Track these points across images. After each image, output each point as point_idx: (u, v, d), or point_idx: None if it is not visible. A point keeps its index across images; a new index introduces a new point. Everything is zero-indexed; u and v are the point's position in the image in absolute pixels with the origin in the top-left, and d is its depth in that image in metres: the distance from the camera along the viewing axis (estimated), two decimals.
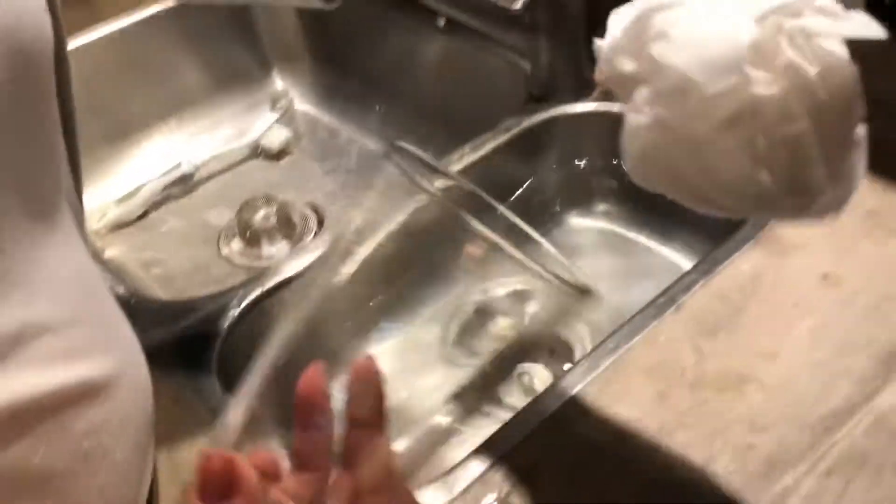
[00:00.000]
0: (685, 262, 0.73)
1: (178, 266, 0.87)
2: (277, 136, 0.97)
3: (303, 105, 1.03)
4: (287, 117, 1.00)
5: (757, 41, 0.27)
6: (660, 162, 0.31)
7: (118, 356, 0.36)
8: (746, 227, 0.61)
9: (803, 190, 0.30)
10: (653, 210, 0.76)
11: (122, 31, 0.94)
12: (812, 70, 0.26)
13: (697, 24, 0.29)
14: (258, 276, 0.65)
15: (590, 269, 0.75)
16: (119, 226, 0.90)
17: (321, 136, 1.00)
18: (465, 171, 0.72)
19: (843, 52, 0.27)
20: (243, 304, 0.62)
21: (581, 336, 0.71)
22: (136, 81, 0.96)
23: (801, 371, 0.52)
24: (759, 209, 0.31)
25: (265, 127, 0.98)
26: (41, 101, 0.35)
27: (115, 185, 0.94)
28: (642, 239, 0.77)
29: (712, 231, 0.71)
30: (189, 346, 0.60)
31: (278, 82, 1.04)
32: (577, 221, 0.79)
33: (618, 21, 0.32)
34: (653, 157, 0.31)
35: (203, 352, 0.59)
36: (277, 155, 0.97)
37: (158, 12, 0.95)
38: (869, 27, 0.28)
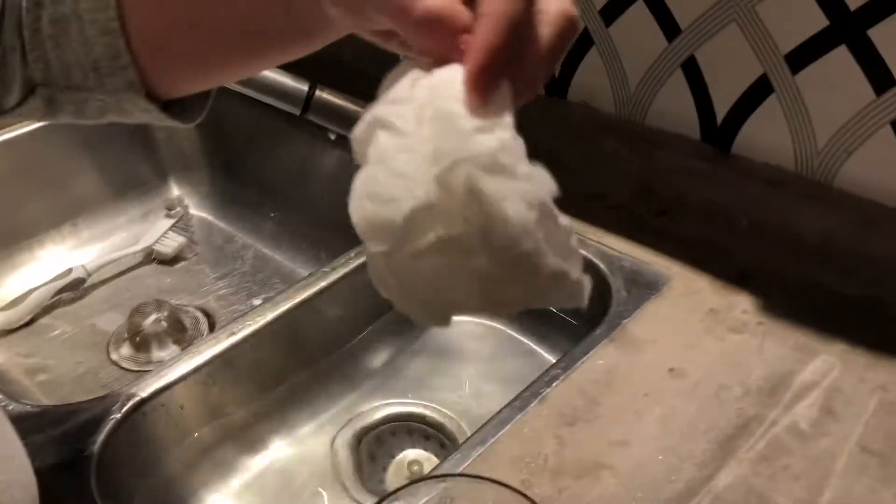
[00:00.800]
0: (554, 358, 0.78)
1: (66, 372, 0.86)
2: (172, 242, 1.00)
3: (199, 211, 1.06)
4: (183, 223, 1.03)
5: (432, 199, 0.29)
6: (385, 280, 0.33)
7: (7, 466, 0.38)
8: (602, 326, 0.67)
9: (498, 306, 0.32)
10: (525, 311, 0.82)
11: (17, 137, 0.95)
12: (483, 222, 0.29)
13: (380, 169, 0.31)
14: (142, 379, 0.66)
15: (475, 366, 0.80)
16: (4, 332, 0.90)
17: (216, 241, 1.03)
18: (354, 273, 0.76)
19: (515, 208, 0.29)
20: (125, 409, 0.63)
21: (459, 423, 0.75)
22: (30, 187, 0.97)
23: (651, 457, 0.57)
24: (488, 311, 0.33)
25: (160, 233, 1.01)
26: None
27: (3, 291, 0.93)
28: (515, 334, 0.82)
29: (575, 330, 0.77)
30: (67, 452, 0.59)
31: (174, 189, 1.07)
32: (456, 321, 0.84)
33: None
34: (381, 277, 0.33)
35: (81, 458, 0.59)
36: (172, 260, 0.99)
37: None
38: (543, 186, 0.32)
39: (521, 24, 0.30)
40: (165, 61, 0.45)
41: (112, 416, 0.61)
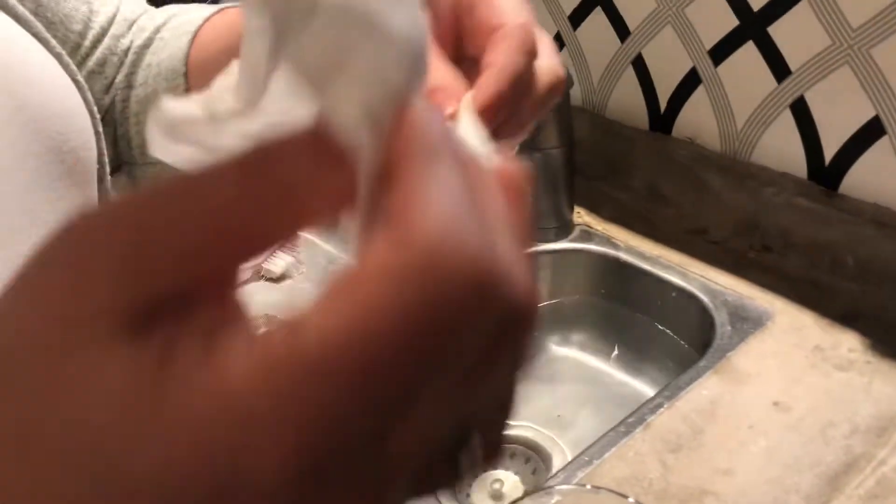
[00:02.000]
0: (650, 392, 0.79)
1: None
2: (280, 261, 1.05)
3: (305, 232, 1.11)
4: (290, 243, 1.08)
5: None
6: None
7: None
8: (706, 358, 0.68)
9: None
10: (622, 344, 0.83)
11: None
12: None
13: None
14: None
15: (567, 393, 0.82)
16: None
17: (321, 261, 1.08)
18: None
19: None
20: None
21: (561, 449, 0.76)
22: None
23: (755, 486, 0.58)
24: None
25: (268, 253, 1.06)
26: (89, 201, 0.41)
27: None
28: (616, 364, 0.84)
29: (674, 364, 0.78)
30: None
31: None
32: (556, 350, 0.86)
33: None
34: None
35: None
36: (279, 278, 1.04)
37: None
38: None
39: (524, 77, 0.33)
40: None
41: None
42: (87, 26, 0.50)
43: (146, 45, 0.50)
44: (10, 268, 0.35)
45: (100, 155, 0.42)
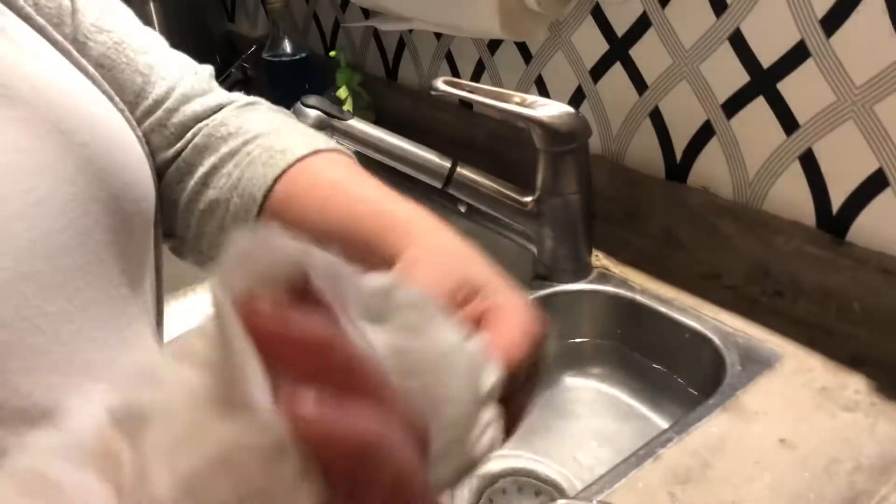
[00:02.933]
0: (665, 425, 0.82)
1: None
2: None
3: None
4: None
5: None
6: None
7: None
8: (716, 396, 0.71)
9: None
10: (637, 382, 0.86)
11: None
12: None
13: None
14: None
15: (582, 430, 0.85)
16: None
17: None
18: None
19: None
20: None
21: (570, 480, 0.79)
22: None
23: None
24: None
25: None
26: (144, 244, 0.44)
27: (173, 328, 1.04)
28: (630, 401, 0.87)
29: (686, 402, 0.81)
30: None
31: None
32: (572, 385, 0.89)
33: None
34: None
35: None
36: None
37: None
38: None
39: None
40: None
41: None
42: (139, 96, 0.51)
43: (232, 153, 0.52)
44: (71, 302, 0.38)
45: (155, 204, 0.45)
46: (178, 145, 0.53)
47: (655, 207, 0.91)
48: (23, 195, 0.35)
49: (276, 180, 0.49)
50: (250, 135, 0.52)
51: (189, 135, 0.53)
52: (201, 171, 0.52)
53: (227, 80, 1.42)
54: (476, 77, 1.11)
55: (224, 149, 0.52)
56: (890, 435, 0.66)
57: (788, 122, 0.79)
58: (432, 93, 0.87)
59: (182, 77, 0.54)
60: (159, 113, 0.52)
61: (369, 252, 0.44)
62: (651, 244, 0.91)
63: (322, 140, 0.52)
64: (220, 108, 0.55)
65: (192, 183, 0.52)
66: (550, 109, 0.82)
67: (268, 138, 0.52)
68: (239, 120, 0.53)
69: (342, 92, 1.21)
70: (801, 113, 0.78)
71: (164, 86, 0.52)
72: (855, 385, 0.71)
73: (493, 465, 0.82)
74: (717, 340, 0.78)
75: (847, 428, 0.67)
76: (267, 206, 0.49)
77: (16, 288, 0.34)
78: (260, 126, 0.53)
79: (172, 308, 1.08)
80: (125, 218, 0.41)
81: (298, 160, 0.50)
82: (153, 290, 0.48)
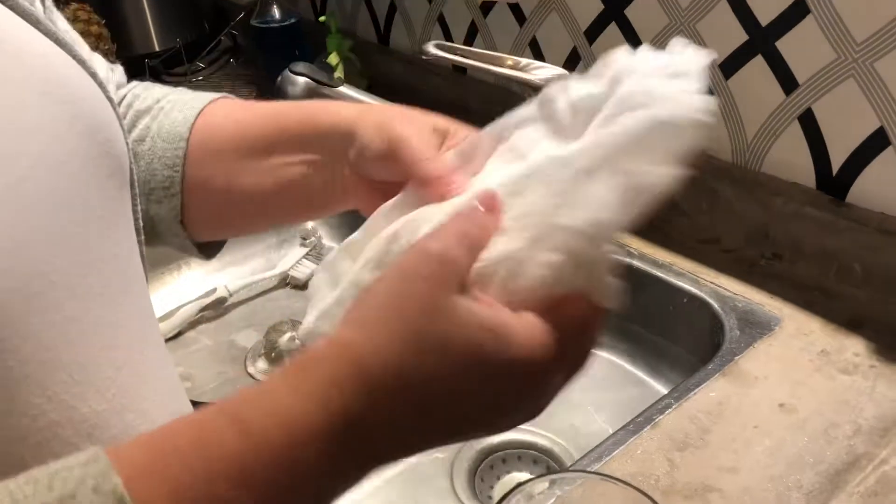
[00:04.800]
0: (664, 391, 0.81)
1: (208, 381, 0.95)
2: (305, 269, 1.08)
3: (330, 242, 1.14)
4: (315, 252, 1.11)
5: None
6: None
7: None
8: (715, 361, 0.71)
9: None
10: (640, 345, 0.86)
11: None
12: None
13: None
14: None
15: (581, 396, 0.84)
16: None
17: None
18: None
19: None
20: None
21: (568, 448, 0.78)
22: None
23: (759, 484, 0.60)
24: None
25: (295, 260, 1.09)
26: (127, 203, 0.45)
27: (155, 305, 1.03)
28: (628, 367, 0.86)
29: (684, 367, 0.80)
30: None
31: (309, 222, 1.16)
32: None
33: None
34: None
35: None
36: (304, 285, 1.08)
37: None
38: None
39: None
40: (201, 198, 0.55)
41: None
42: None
43: (146, 110, 0.56)
44: (80, 256, 0.39)
45: (130, 163, 0.46)
46: None
47: None
48: (20, 156, 0.35)
49: (196, 117, 0.54)
50: (160, 95, 0.57)
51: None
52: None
53: (216, 48, 1.40)
54: (469, 41, 1.09)
55: (139, 106, 0.56)
56: (889, 397, 0.66)
57: (788, 81, 0.77)
58: (424, 57, 0.85)
59: (108, 66, 0.57)
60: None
61: (309, 129, 0.51)
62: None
63: (224, 94, 0.58)
64: (134, 87, 0.60)
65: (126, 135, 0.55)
66: (545, 73, 0.80)
67: (175, 95, 0.57)
68: (147, 91, 0.58)
69: (333, 58, 1.19)
70: (800, 72, 0.76)
71: (102, 67, 0.54)
72: (854, 347, 0.71)
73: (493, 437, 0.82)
74: (715, 305, 0.77)
75: (846, 391, 0.67)
76: (192, 139, 0.53)
77: (29, 244, 0.35)
78: (165, 89, 0.58)
79: (168, 284, 1.07)
80: (110, 174, 0.42)
81: (212, 101, 0.55)
82: (140, 255, 0.48)
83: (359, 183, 0.50)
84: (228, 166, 0.54)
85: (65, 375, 0.37)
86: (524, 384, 0.35)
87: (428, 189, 0.43)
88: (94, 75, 0.43)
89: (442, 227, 0.36)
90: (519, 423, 0.37)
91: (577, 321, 0.37)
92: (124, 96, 0.57)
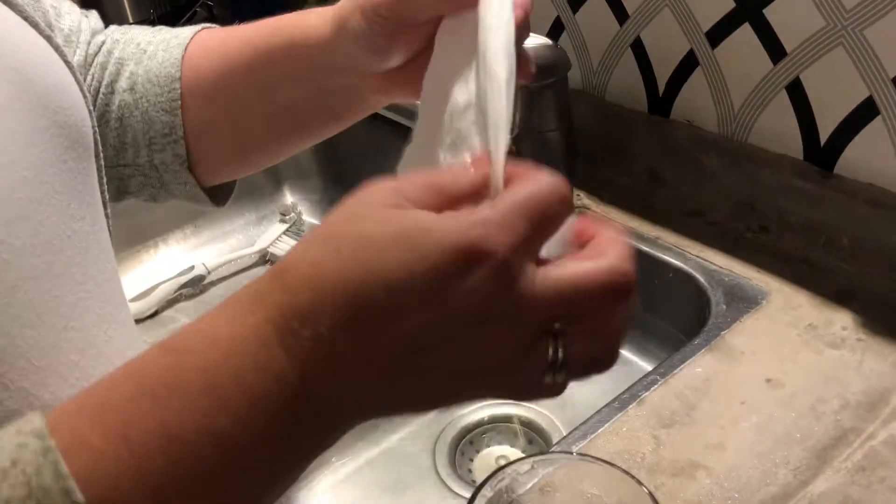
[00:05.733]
0: (647, 370, 0.80)
1: None
2: (285, 245, 1.06)
3: (311, 218, 1.12)
4: (295, 228, 1.09)
5: None
6: None
7: None
8: (701, 337, 0.70)
9: None
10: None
11: None
12: None
13: None
14: None
15: None
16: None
17: None
18: None
19: None
20: None
21: (554, 424, 0.77)
22: None
23: (746, 460, 0.59)
24: None
25: (274, 236, 1.07)
26: (91, 175, 0.43)
27: (132, 284, 1.01)
28: None
29: (670, 342, 0.79)
30: None
31: (289, 196, 1.14)
32: None
33: None
34: None
35: None
36: None
37: None
38: None
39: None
40: (209, 142, 0.53)
41: None
42: (51, 28, 0.52)
43: (129, 56, 0.54)
44: (36, 235, 0.37)
45: (94, 132, 0.44)
46: (91, 71, 0.54)
47: (638, 143, 0.88)
48: None
49: (182, 56, 0.52)
50: (138, 38, 0.55)
51: (96, 59, 0.54)
52: (105, 82, 0.53)
53: (191, 19, 1.36)
54: None
55: (118, 55, 0.54)
56: (877, 371, 0.65)
57: (775, 49, 0.75)
58: None
59: (81, 13, 0.55)
60: (81, 46, 0.53)
61: (289, 43, 0.49)
62: (634, 182, 0.89)
63: (203, 24, 0.57)
64: (112, 32, 0.58)
65: (99, 97, 0.53)
66: (527, 42, 0.78)
67: (154, 35, 0.55)
68: (125, 35, 0.56)
69: None
70: (788, 40, 0.74)
71: (69, 20, 0.52)
72: (842, 321, 0.70)
73: (476, 410, 0.81)
74: (701, 279, 0.76)
75: (834, 365, 0.66)
76: (184, 79, 0.52)
77: None
78: (144, 31, 0.56)
79: (144, 262, 1.05)
80: (69, 146, 0.40)
81: (193, 35, 0.54)
82: (107, 231, 0.46)
83: (372, 78, 0.47)
84: (228, 104, 0.52)
85: (23, 362, 0.35)
86: (462, 277, 0.28)
87: (451, 5, 0.40)
88: (49, 38, 0.41)
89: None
90: (504, 364, 0.31)
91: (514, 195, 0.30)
92: (102, 43, 0.55)
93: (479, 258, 0.28)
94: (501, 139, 0.34)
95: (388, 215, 0.29)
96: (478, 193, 0.31)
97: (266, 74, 0.50)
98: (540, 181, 0.31)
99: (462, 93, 0.37)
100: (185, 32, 0.54)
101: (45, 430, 0.28)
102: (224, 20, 1.37)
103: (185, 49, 0.52)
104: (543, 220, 0.30)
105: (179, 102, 0.51)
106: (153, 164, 0.53)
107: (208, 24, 0.56)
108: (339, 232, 0.30)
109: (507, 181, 0.32)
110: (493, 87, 0.35)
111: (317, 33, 0.47)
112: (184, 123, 0.52)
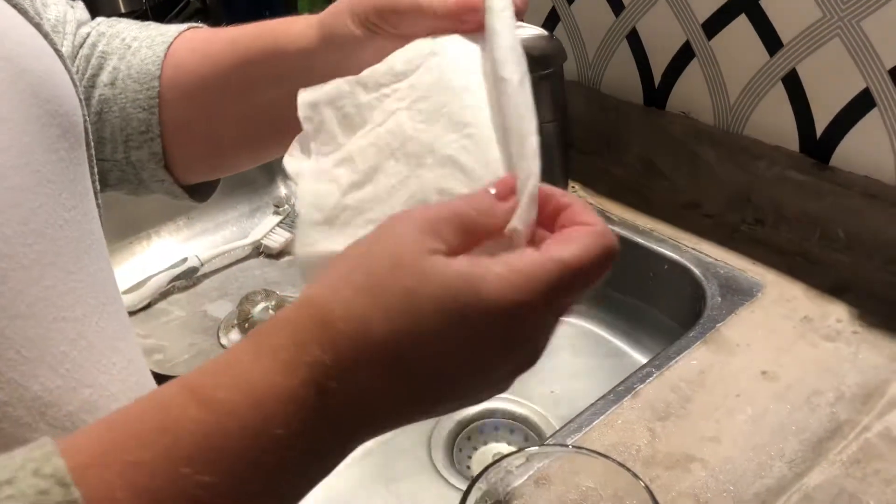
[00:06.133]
0: (643, 362, 0.80)
1: (179, 353, 0.93)
2: (279, 238, 1.06)
3: None
4: (289, 220, 1.09)
5: None
6: None
7: None
8: (696, 329, 0.69)
9: None
10: (619, 313, 0.84)
11: None
12: None
13: None
14: None
15: (561, 364, 0.83)
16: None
17: None
18: None
19: None
20: None
21: (548, 419, 0.77)
22: None
23: (741, 453, 0.59)
24: None
25: (268, 229, 1.07)
26: (82, 165, 0.43)
27: (124, 276, 1.00)
28: (607, 336, 0.85)
29: (665, 335, 0.79)
30: None
31: (282, 189, 1.13)
32: None
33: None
34: None
35: None
36: (277, 254, 1.05)
37: None
38: None
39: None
40: (184, 141, 0.52)
41: None
42: (39, 15, 0.51)
43: (113, 51, 0.53)
44: (27, 224, 0.36)
45: (84, 120, 0.43)
46: (75, 63, 0.53)
47: (633, 135, 0.88)
48: None
49: (165, 54, 0.51)
50: (124, 33, 0.54)
51: (80, 51, 0.53)
52: (88, 74, 0.53)
53: (184, 10, 1.35)
54: None
55: (102, 49, 0.53)
56: (871, 363, 0.65)
57: (772, 41, 0.75)
58: None
59: (67, 3, 0.54)
60: (67, 37, 0.52)
61: (272, 49, 0.48)
62: (629, 174, 0.88)
63: (191, 24, 0.56)
64: (98, 24, 0.57)
65: (81, 89, 0.52)
66: (522, 32, 0.77)
67: (140, 31, 0.54)
68: (112, 28, 0.55)
69: None
70: (784, 31, 0.74)
71: (55, 11, 0.52)
72: (837, 314, 0.70)
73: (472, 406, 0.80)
74: (696, 271, 0.76)
75: (829, 358, 0.66)
76: (164, 77, 0.51)
77: None
78: (131, 25, 0.55)
79: (137, 254, 1.04)
80: (60, 135, 0.40)
81: (178, 34, 0.53)
82: (99, 221, 0.46)
83: None
84: (207, 105, 0.51)
85: (12, 353, 0.35)
86: (509, 331, 0.31)
87: (449, 24, 0.40)
88: (38, 26, 0.40)
89: (438, 203, 0.33)
90: (518, 375, 0.33)
91: (557, 256, 0.31)
92: (87, 35, 0.54)
93: (524, 323, 0.31)
94: (530, 161, 0.33)
95: (434, 269, 0.30)
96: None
97: (246, 77, 0.50)
98: (598, 242, 0.31)
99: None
100: (172, 30, 0.54)
101: (67, 476, 0.26)
102: (217, 11, 1.36)
103: (169, 47, 0.52)
104: (592, 281, 0.32)
105: (157, 101, 0.51)
106: (130, 161, 0.52)
107: (196, 24, 0.56)
108: (385, 285, 0.30)
109: (551, 216, 0.33)
110: (511, 101, 0.35)
111: (302, 39, 0.47)
112: (161, 122, 0.51)
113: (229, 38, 0.51)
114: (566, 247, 0.31)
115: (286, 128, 0.52)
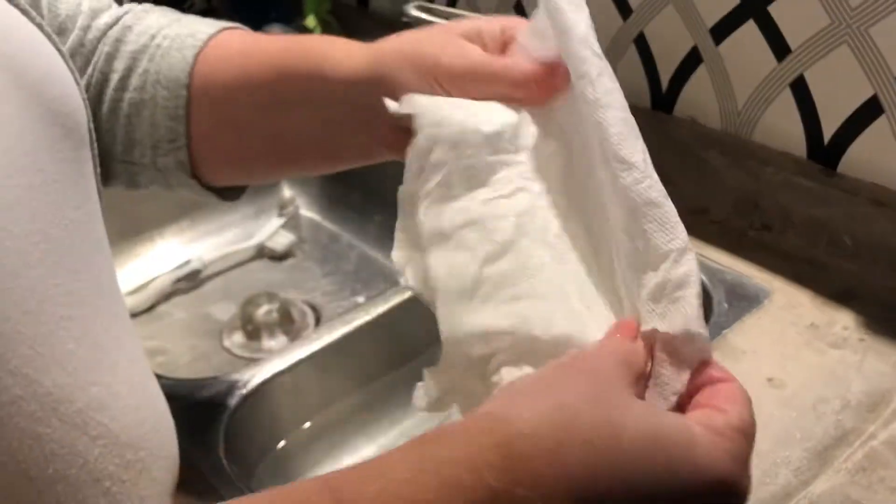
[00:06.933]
0: None
1: (182, 355, 0.93)
2: (283, 240, 1.05)
3: (308, 212, 1.12)
4: (292, 222, 1.08)
5: None
6: None
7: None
8: None
9: None
10: None
11: None
12: None
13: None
14: (260, 362, 0.71)
15: None
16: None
17: (323, 240, 1.09)
18: None
19: None
20: (249, 386, 0.68)
21: None
22: None
23: None
24: None
25: (272, 230, 1.07)
26: (86, 165, 0.43)
27: (127, 278, 1.00)
28: None
29: None
30: (197, 422, 0.65)
31: (286, 191, 1.13)
32: None
33: None
34: None
35: (210, 428, 0.64)
36: (281, 256, 1.05)
37: None
38: None
39: None
40: (211, 148, 0.52)
41: (239, 391, 0.67)
42: (49, 10, 0.51)
43: (142, 49, 0.52)
44: (33, 223, 0.36)
45: (88, 120, 0.43)
46: (94, 59, 0.52)
47: None
48: None
49: (195, 59, 0.50)
50: (154, 29, 0.53)
51: (100, 45, 0.52)
52: (115, 77, 0.52)
53: (189, 9, 1.35)
54: (451, 2, 1.06)
55: (132, 48, 0.52)
56: (878, 371, 0.64)
57: (780, 47, 0.75)
58: (404, 19, 0.82)
59: None
60: (76, 32, 0.51)
61: (316, 72, 0.47)
62: None
63: (225, 23, 0.54)
64: (123, 15, 0.55)
65: (109, 91, 0.52)
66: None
67: (171, 28, 0.53)
68: (141, 22, 0.54)
69: (310, 21, 1.15)
70: (793, 37, 0.74)
71: (66, 6, 0.51)
72: (843, 321, 0.69)
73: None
74: (703, 277, 0.75)
75: (835, 365, 0.65)
76: (193, 86, 0.50)
77: None
78: (160, 21, 0.54)
79: (140, 256, 1.04)
80: (64, 134, 0.40)
81: (210, 38, 0.51)
82: (102, 222, 0.46)
83: (388, 130, 0.46)
84: (237, 117, 0.51)
85: (25, 348, 0.35)
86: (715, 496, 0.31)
87: (525, 92, 0.40)
88: (40, 26, 0.40)
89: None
90: None
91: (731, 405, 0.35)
92: (110, 27, 0.53)
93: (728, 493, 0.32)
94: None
95: (640, 411, 0.31)
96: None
97: (279, 95, 0.49)
98: (746, 398, 0.36)
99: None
100: (204, 30, 0.52)
101: None
102: (222, 11, 1.36)
103: (200, 51, 0.51)
104: None
105: (185, 110, 0.50)
106: (157, 167, 0.52)
107: (233, 24, 0.54)
108: (582, 416, 0.30)
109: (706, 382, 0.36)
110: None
111: (348, 68, 0.46)
112: (189, 127, 0.51)
113: (267, 53, 0.50)
114: (741, 409, 0.35)
115: (309, 150, 0.52)
